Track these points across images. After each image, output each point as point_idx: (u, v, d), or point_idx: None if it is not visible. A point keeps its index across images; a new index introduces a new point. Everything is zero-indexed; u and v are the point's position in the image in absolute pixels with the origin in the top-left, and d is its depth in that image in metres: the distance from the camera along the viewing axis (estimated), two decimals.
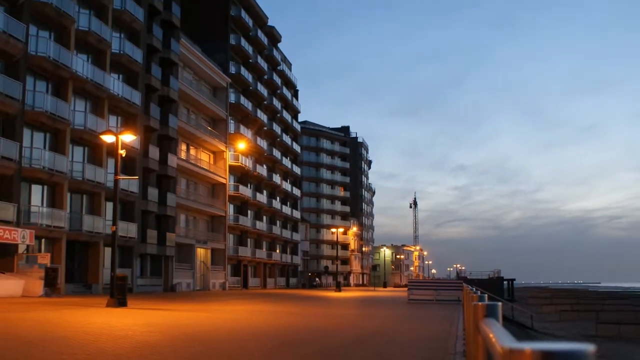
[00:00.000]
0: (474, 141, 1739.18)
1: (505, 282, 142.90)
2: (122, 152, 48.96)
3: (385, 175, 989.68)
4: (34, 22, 66.09)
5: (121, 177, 51.51)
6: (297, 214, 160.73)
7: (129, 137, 49.56)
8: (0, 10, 61.29)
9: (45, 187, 68.00)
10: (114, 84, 77.76)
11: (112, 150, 62.44)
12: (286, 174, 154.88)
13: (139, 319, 32.14)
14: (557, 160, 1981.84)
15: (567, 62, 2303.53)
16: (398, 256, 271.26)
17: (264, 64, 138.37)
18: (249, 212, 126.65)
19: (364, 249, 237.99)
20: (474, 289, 25.39)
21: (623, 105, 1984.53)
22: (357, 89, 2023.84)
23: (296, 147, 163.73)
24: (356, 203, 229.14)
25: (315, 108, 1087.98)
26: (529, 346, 2.21)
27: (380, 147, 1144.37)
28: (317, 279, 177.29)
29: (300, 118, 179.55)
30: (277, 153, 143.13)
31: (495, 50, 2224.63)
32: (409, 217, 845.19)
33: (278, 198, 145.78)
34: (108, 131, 49.02)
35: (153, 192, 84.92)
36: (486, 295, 10.18)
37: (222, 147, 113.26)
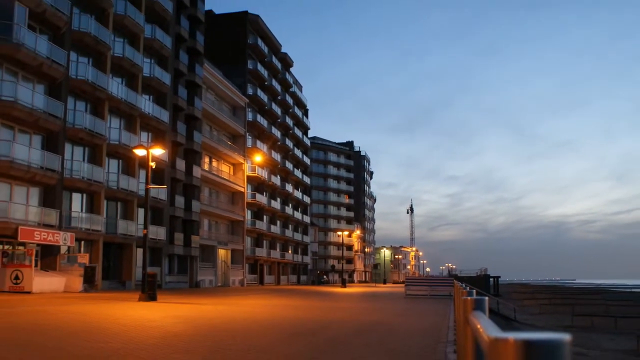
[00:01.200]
0: (464, 154, 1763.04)
1: (491, 279, 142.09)
2: (152, 164, 49.43)
3: (385, 185, 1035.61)
4: (74, 49, 66.14)
5: (151, 186, 51.60)
6: (307, 219, 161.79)
7: (158, 151, 49.86)
8: (44, 38, 61.30)
9: (84, 195, 67.99)
10: (145, 103, 77.84)
11: (143, 162, 62.31)
12: (297, 184, 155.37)
13: (167, 312, 32.13)
14: (537, 171, 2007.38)
15: (545, 85, 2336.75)
16: (396, 256, 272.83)
17: (277, 86, 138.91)
18: (264, 217, 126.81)
19: (366, 249, 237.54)
20: (464, 285, 24.57)
21: (594, 123, 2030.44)
22: (360, 108, 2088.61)
23: (306, 160, 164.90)
24: (359, 209, 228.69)
25: (323, 125, 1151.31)
26: (512, 335, 2.26)
27: (380, 160, 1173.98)
28: (324, 277, 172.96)
29: (310, 134, 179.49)
30: (289, 165, 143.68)
31: (482, 75, 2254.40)
32: (406, 222, 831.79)
33: (290, 205, 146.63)
34: (140, 146, 49.10)
35: (180, 200, 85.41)
36: (474, 290, 10.22)
37: (241, 160, 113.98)
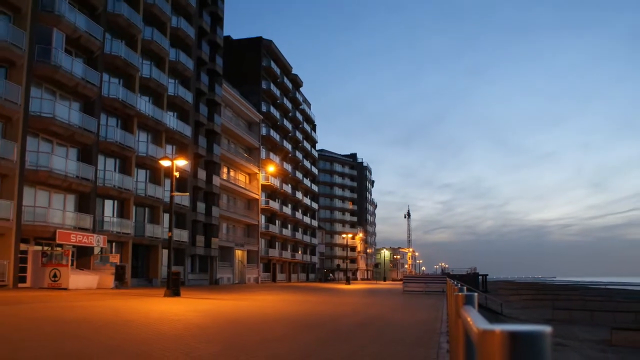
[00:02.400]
0: (455, 165, 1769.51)
1: (480, 277, 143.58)
2: (176, 174, 49.97)
3: (385, 192, 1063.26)
4: (106, 70, 66.31)
5: (175, 193, 51.61)
6: (315, 223, 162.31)
7: (181, 162, 50.57)
8: (79, 61, 61.50)
9: (115, 201, 68.08)
10: (170, 119, 78.00)
11: (168, 172, 62.62)
12: (306, 191, 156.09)
13: (190, 306, 32.05)
14: (521, 180, 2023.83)
15: (529, 103, 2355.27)
16: (395, 256, 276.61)
17: (288, 104, 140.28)
18: (276, 221, 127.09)
19: (368, 250, 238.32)
20: (456, 282, 25.04)
21: (573, 138, 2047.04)
22: (363, 124, 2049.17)
23: (314, 170, 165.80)
24: (362, 214, 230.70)
25: (330, 139, 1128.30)
26: (498, 328, 2.32)
27: (381, 170, 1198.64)
28: (331, 274, 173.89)
29: (317, 147, 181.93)
30: (299, 175, 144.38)
31: (471, 93, 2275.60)
32: (403, 225, 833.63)
33: (300, 210, 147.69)
34: (165, 157, 49.54)
35: (201, 206, 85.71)
36: (465, 287, 10.37)
37: (256, 170, 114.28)
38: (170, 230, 46.81)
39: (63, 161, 58.44)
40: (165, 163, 49.06)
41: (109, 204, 67.47)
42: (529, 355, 2.42)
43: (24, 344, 15.36)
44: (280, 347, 15.98)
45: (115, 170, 67.47)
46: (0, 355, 13.36)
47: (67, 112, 58.84)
